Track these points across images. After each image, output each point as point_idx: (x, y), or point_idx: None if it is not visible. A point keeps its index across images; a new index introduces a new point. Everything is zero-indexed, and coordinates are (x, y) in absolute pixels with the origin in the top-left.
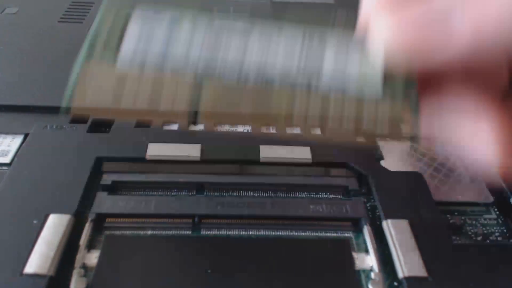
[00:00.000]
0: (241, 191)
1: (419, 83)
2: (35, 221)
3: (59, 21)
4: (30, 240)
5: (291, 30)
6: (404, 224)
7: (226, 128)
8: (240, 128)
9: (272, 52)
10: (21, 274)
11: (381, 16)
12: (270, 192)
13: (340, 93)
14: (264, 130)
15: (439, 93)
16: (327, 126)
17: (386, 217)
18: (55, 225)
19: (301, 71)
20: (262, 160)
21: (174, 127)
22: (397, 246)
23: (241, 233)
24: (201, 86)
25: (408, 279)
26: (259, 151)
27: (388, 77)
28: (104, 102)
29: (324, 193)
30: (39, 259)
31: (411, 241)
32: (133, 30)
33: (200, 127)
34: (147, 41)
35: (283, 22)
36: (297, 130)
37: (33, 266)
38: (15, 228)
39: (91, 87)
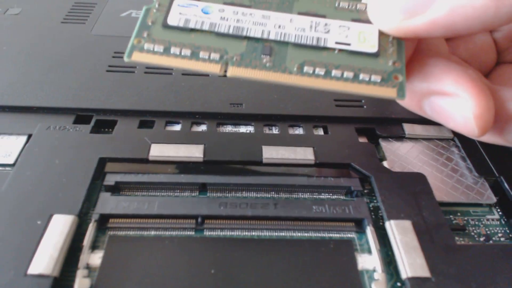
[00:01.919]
0: (243, 192)
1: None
2: (38, 222)
3: (62, 22)
4: (34, 241)
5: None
6: (407, 224)
7: (229, 128)
8: (243, 129)
9: (287, 19)
10: (25, 274)
11: None
12: (273, 192)
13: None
14: (266, 130)
15: (427, 59)
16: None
17: (389, 218)
18: (59, 226)
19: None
20: (264, 161)
21: (177, 127)
22: (400, 246)
23: (244, 234)
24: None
25: (411, 279)
26: (261, 151)
27: (381, 36)
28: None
29: (326, 194)
30: (43, 260)
31: (414, 242)
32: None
33: (203, 127)
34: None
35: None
36: (299, 131)
37: (37, 266)
38: (19, 229)
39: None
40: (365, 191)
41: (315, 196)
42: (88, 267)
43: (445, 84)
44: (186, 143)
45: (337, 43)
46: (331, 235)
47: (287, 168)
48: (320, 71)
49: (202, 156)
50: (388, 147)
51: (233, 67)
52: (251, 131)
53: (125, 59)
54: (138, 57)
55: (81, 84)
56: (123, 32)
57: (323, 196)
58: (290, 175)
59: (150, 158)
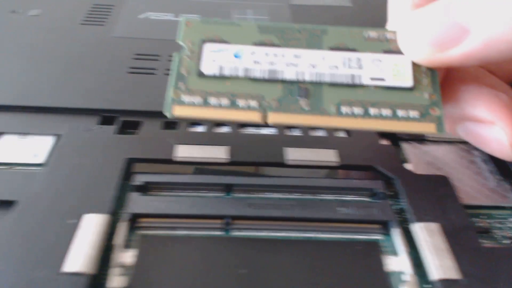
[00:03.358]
0: (268, 193)
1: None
2: (71, 220)
3: (81, 24)
4: (67, 239)
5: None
6: (435, 227)
7: (250, 130)
8: (264, 130)
9: (319, 57)
10: (60, 272)
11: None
12: (297, 194)
13: (379, 83)
14: (288, 132)
15: (459, 84)
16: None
17: (417, 220)
18: (92, 225)
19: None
20: (288, 162)
21: (200, 128)
22: (429, 248)
23: (271, 234)
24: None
25: (442, 281)
26: (284, 153)
27: (414, 67)
28: (195, 110)
29: (350, 196)
30: (79, 258)
31: (442, 244)
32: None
33: (225, 128)
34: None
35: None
36: (320, 133)
37: (74, 264)
38: (53, 227)
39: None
40: (389, 193)
41: (338, 197)
42: (121, 265)
43: (479, 111)
44: (210, 144)
45: (372, 79)
46: (356, 236)
47: (310, 169)
48: (358, 110)
49: (227, 157)
50: (410, 149)
51: (273, 114)
52: (273, 133)
53: (167, 114)
54: (179, 112)
55: (104, 85)
56: (142, 34)
57: (346, 198)
58: (313, 176)
59: (176, 159)
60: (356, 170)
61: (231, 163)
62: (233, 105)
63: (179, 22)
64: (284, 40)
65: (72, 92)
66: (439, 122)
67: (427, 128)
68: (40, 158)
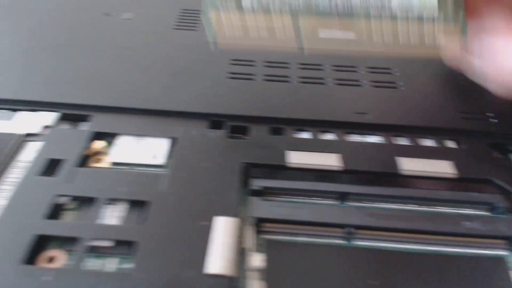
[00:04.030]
0: (382, 203)
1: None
2: (203, 222)
3: (174, 28)
4: (204, 241)
5: None
6: None
7: (356, 138)
8: (370, 138)
9: None
10: (205, 273)
11: None
12: (412, 205)
13: (405, 13)
14: (395, 141)
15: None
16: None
17: None
18: (225, 227)
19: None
20: (403, 172)
21: (305, 135)
22: None
23: (394, 246)
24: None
25: None
26: (398, 163)
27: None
28: (237, 38)
29: (467, 209)
30: (219, 260)
31: None
32: None
33: (329, 136)
34: None
35: None
36: (430, 143)
37: (216, 266)
38: (187, 228)
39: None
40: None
41: (456, 210)
42: (255, 269)
43: (498, 24)
44: (318, 151)
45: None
46: (480, 251)
47: (425, 180)
48: (388, 38)
49: (341, 165)
50: None
51: (309, 42)
52: (380, 141)
53: (211, 43)
54: (223, 42)
55: (209, 90)
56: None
57: (465, 211)
58: (429, 188)
59: (290, 165)
60: (473, 183)
61: (345, 171)
62: (271, 35)
63: None
64: None
65: (180, 96)
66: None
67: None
68: (160, 160)
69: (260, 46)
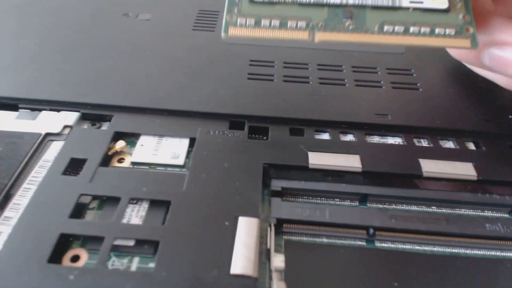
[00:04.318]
0: (404, 205)
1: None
2: (226, 223)
3: (193, 29)
4: (227, 241)
5: None
6: None
7: (376, 139)
8: (390, 140)
9: None
10: (229, 274)
11: None
12: (434, 207)
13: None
14: (416, 142)
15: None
16: (408, 31)
17: None
18: (247, 228)
19: None
20: (425, 174)
21: (325, 136)
22: None
23: (417, 248)
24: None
25: None
26: (419, 164)
27: None
28: (248, 30)
29: (490, 211)
30: (243, 261)
31: None
32: None
33: (350, 137)
34: None
35: None
36: (449, 144)
37: (239, 267)
38: (210, 228)
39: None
40: None
41: (478, 213)
42: (276, 270)
43: (505, 35)
44: (339, 152)
45: (411, 2)
46: (505, 254)
47: (447, 182)
48: (399, 29)
49: (360, 166)
50: None
51: (320, 33)
52: (400, 143)
53: (223, 35)
54: (234, 32)
55: (228, 91)
56: (253, 41)
57: (486, 214)
58: (451, 190)
59: (310, 166)
60: (495, 185)
61: (365, 172)
62: (283, 25)
63: None
64: None
65: (200, 97)
66: (473, 38)
67: (462, 43)
68: (180, 160)
69: (271, 36)
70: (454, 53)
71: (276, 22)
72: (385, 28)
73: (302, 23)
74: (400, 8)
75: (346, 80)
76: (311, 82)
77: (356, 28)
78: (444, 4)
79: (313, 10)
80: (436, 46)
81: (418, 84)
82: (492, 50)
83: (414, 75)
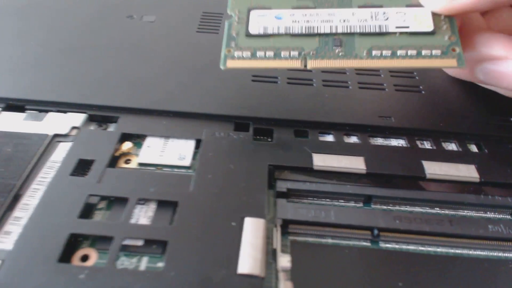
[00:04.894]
0: (407, 206)
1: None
2: (233, 223)
3: (197, 31)
4: (234, 241)
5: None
6: None
7: (379, 141)
8: (394, 142)
9: (350, 14)
10: (236, 273)
11: None
12: (437, 209)
13: (403, 30)
14: (419, 144)
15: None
16: (395, 54)
17: None
18: (254, 228)
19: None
20: (428, 176)
21: (329, 138)
22: None
23: (420, 249)
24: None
25: None
26: (422, 166)
27: (434, 16)
28: (245, 62)
29: (492, 213)
30: (250, 261)
31: None
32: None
33: (353, 139)
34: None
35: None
36: (452, 147)
37: (248, 266)
38: (217, 228)
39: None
40: None
41: (480, 214)
42: (283, 270)
43: (495, 50)
44: (343, 154)
45: (397, 27)
46: (507, 254)
47: (450, 184)
48: (387, 53)
49: (364, 168)
50: None
51: (312, 60)
52: (403, 145)
53: (221, 67)
54: (232, 64)
55: (233, 93)
56: None
57: (489, 215)
58: (454, 192)
59: (315, 168)
60: (498, 187)
61: (369, 174)
62: (277, 55)
63: None
64: (318, 3)
65: (206, 98)
66: (459, 58)
67: (449, 63)
68: (187, 161)
69: (266, 66)
70: (450, 71)
71: (270, 53)
72: (373, 53)
73: (294, 53)
74: (387, 33)
75: (349, 82)
76: (314, 84)
77: (346, 54)
78: (429, 27)
79: (305, 40)
80: (424, 67)
81: (421, 87)
82: (485, 66)
83: (417, 78)
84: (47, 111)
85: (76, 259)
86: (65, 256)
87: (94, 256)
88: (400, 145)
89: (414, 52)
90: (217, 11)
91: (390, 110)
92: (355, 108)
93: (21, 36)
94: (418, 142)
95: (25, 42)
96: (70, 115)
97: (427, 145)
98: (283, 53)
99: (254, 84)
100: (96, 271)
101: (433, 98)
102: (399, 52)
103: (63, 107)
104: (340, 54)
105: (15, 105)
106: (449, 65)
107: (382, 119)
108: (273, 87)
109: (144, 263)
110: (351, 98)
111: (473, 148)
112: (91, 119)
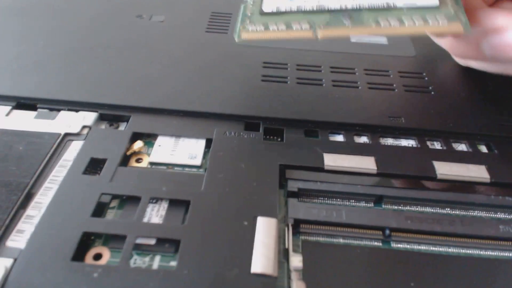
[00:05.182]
0: (418, 207)
1: None
2: (245, 222)
3: (206, 31)
4: (247, 241)
5: None
6: None
7: (390, 141)
8: (404, 142)
9: None
10: (250, 273)
11: None
12: (448, 209)
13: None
14: (429, 145)
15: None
16: (403, 25)
17: None
18: (266, 228)
19: None
20: (439, 176)
21: (339, 138)
22: None
23: (432, 249)
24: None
25: None
26: (433, 167)
27: None
28: (258, 34)
29: (502, 213)
30: (263, 260)
31: None
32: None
33: (363, 139)
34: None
35: None
36: (462, 147)
37: (260, 266)
38: (230, 228)
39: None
40: None
41: (490, 215)
42: (295, 270)
43: (499, 20)
44: (353, 154)
45: (404, 4)
46: None
47: (460, 184)
48: (395, 22)
49: (375, 168)
50: None
51: (322, 30)
52: (413, 145)
53: (236, 39)
54: (246, 36)
55: (243, 93)
56: (266, 43)
57: (500, 216)
58: (465, 192)
59: (326, 167)
60: (509, 188)
61: (380, 174)
62: (288, 28)
63: None
64: None
65: (215, 98)
66: (465, 23)
67: (455, 28)
68: (198, 160)
69: (278, 37)
70: (453, 49)
71: (282, 26)
72: (382, 24)
73: (306, 25)
74: (394, 8)
75: (359, 82)
76: (324, 85)
77: (354, 24)
78: (435, 1)
79: (316, 16)
80: (431, 32)
81: (430, 88)
82: (490, 39)
83: (426, 78)
84: (58, 110)
85: (89, 258)
86: (79, 255)
87: (107, 255)
88: (410, 145)
89: (421, 21)
90: (225, 11)
91: (400, 110)
92: (365, 108)
93: (33, 35)
94: (428, 143)
95: (36, 41)
96: (82, 114)
97: (437, 145)
98: (294, 26)
99: (264, 84)
100: (109, 269)
101: (443, 98)
102: (406, 22)
103: (75, 106)
104: (349, 25)
105: (26, 104)
106: (455, 30)
107: (392, 119)
108: (283, 87)
109: (156, 262)
110: (361, 98)
111: (483, 149)
112: (102, 118)
